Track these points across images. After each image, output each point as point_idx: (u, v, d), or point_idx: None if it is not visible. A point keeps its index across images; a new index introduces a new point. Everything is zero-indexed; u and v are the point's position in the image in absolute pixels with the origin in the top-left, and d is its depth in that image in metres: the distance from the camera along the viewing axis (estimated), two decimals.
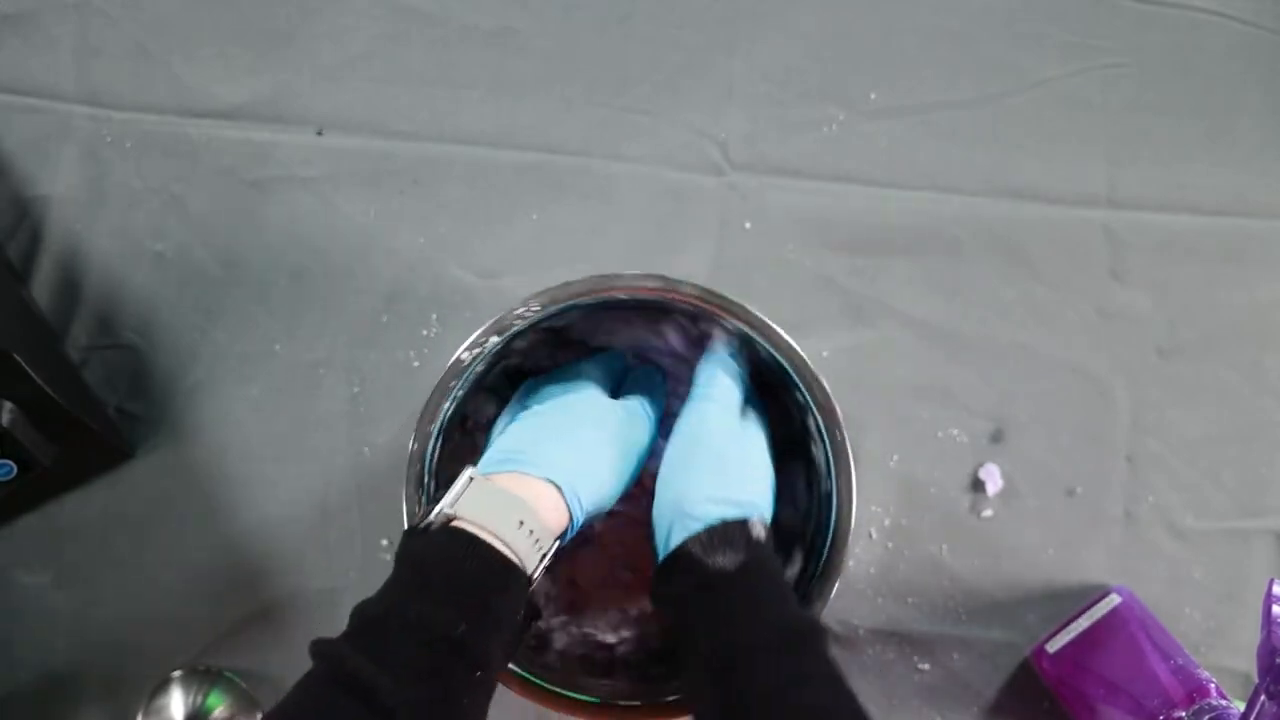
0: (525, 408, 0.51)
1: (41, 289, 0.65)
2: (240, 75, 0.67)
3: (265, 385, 0.65)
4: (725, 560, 0.44)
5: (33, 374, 0.54)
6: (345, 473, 0.65)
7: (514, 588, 0.42)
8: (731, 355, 0.54)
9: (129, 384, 0.65)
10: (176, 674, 0.62)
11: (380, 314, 0.66)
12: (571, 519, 0.45)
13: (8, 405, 0.54)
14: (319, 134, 0.67)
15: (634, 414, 0.51)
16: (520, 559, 0.42)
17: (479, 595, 0.40)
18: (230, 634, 0.64)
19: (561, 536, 0.45)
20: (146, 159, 0.66)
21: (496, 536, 0.41)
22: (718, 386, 0.51)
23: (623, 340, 0.59)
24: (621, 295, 0.51)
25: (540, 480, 0.44)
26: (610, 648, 0.58)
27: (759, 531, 0.46)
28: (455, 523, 0.42)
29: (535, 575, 0.43)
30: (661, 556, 0.46)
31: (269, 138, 0.66)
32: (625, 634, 0.58)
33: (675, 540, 0.45)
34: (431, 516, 0.42)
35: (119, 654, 0.64)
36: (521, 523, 0.42)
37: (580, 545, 0.60)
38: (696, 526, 0.45)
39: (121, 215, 0.65)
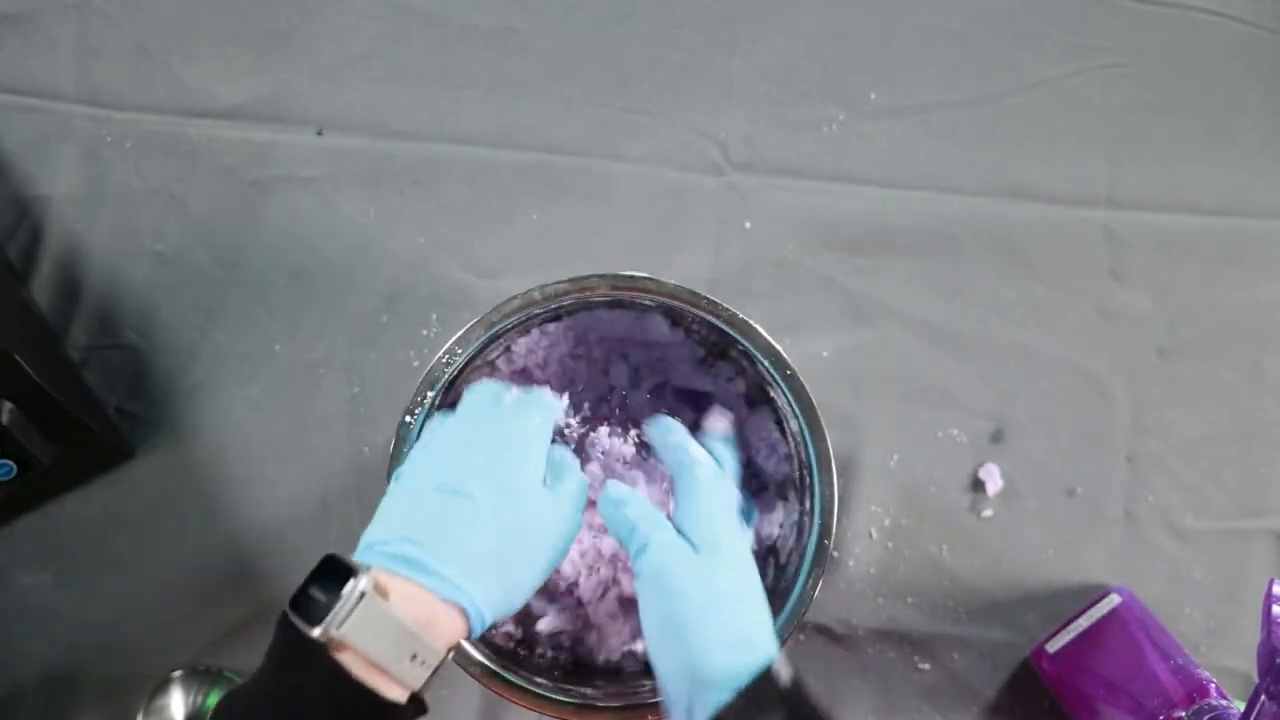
0: (446, 456, 0.44)
1: (41, 289, 0.65)
2: (240, 75, 0.67)
3: (265, 385, 0.65)
4: None
5: (33, 374, 0.54)
6: (345, 472, 0.65)
7: None
8: (724, 457, 0.51)
9: (129, 384, 0.65)
10: (176, 674, 0.62)
11: (380, 314, 0.66)
12: (470, 634, 0.41)
13: (8, 405, 0.54)
14: (319, 134, 0.67)
15: (565, 499, 0.45)
16: (407, 685, 0.38)
17: None
18: (230, 634, 0.64)
19: (455, 645, 0.42)
20: (146, 159, 0.66)
21: (384, 672, 0.38)
22: (646, 528, 0.46)
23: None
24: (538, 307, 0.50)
25: (445, 605, 0.40)
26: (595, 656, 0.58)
27: (784, 676, 0.42)
28: (340, 652, 0.37)
29: (421, 689, 0.40)
30: None
31: (269, 138, 0.66)
32: (614, 646, 0.58)
33: (703, 712, 0.41)
34: (316, 633, 0.37)
35: (119, 654, 0.64)
36: (414, 655, 0.38)
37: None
38: (723, 697, 0.41)
39: (121, 215, 0.65)
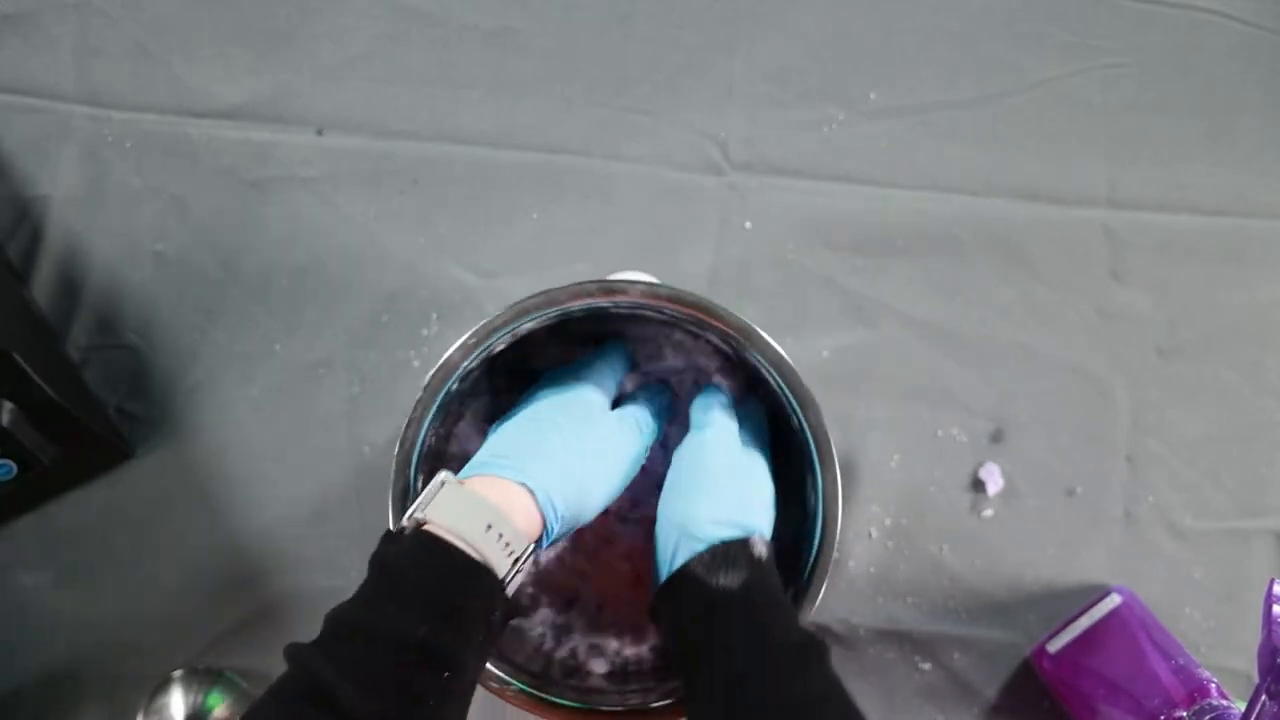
0: (524, 408, 0.51)
1: (41, 289, 0.65)
2: (240, 75, 0.67)
3: (265, 385, 0.65)
4: (728, 580, 0.44)
5: (33, 374, 0.54)
6: (345, 473, 0.65)
7: (482, 591, 0.42)
8: (725, 392, 0.55)
9: (129, 384, 0.65)
10: (176, 674, 0.62)
11: (380, 314, 0.66)
12: (546, 524, 0.45)
13: (8, 405, 0.54)
14: (319, 134, 0.67)
15: (628, 423, 0.51)
16: (489, 562, 0.42)
17: (443, 598, 0.40)
18: (230, 634, 0.64)
19: (538, 541, 0.45)
20: (146, 159, 0.66)
21: (464, 540, 0.41)
22: (714, 416, 0.52)
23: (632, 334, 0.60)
24: (572, 307, 0.51)
25: (513, 485, 0.44)
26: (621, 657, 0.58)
27: (760, 550, 0.46)
28: (425, 527, 0.42)
29: (509, 578, 0.43)
30: (665, 577, 0.47)
31: (269, 138, 0.66)
32: (633, 647, 0.58)
33: (679, 561, 0.46)
34: (404, 521, 0.42)
35: (119, 654, 0.64)
36: (489, 526, 0.42)
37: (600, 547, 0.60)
38: (699, 547, 0.45)
39: (121, 215, 0.65)
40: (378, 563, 0.42)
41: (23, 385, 0.54)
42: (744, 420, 0.55)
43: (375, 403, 0.65)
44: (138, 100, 0.66)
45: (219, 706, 0.62)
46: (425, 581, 0.40)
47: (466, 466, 0.46)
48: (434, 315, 0.66)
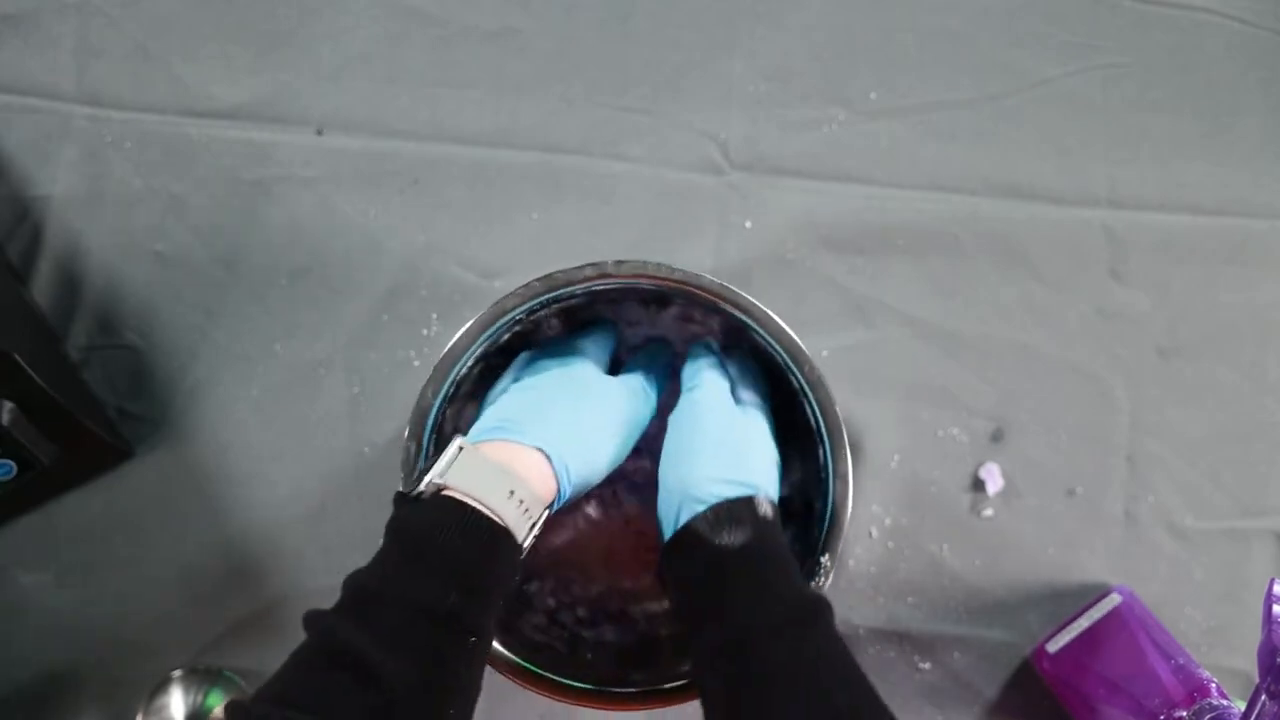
0: (519, 380, 0.51)
1: (41, 289, 0.65)
2: (240, 75, 0.67)
3: (265, 385, 0.65)
4: (732, 538, 0.44)
5: (33, 374, 0.54)
6: (345, 473, 0.65)
7: (504, 556, 0.42)
8: (713, 351, 0.55)
9: (129, 384, 0.65)
10: (176, 674, 0.62)
11: (380, 314, 0.66)
12: (560, 488, 0.45)
13: (8, 405, 0.54)
14: (319, 134, 0.67)
15: (630, 388, 0.52)
16: (510, 527, 0.42)
17: (471, 565, 0.40)
18: (230, 634, 0.64)
19: (551, 505, 0.45)
20: (146, 159, 0.66)
21: (486, 506, 0.41)
22: (705, 377, 0.52)
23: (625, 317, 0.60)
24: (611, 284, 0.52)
25: (529, 449, 0.45)
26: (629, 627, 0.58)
27: (765, 509, 0.46)
28: (445, 492, 0.42)
29: (525, 543, 0.43)
30: (667, 535, 0.47)
31: (269, 138, 0.66)
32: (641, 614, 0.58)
33: (683, 521, 0.46)
34: (422, 486, 0.42)
35: (119, 654, 0.64)
36: (512, 492, 0.42)
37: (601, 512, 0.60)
38: (701, 508, 0.45)
39: (121, 215, 0.65)
40: (400, 528, 0.42)
41: (23, 385, 0.54)
42: (739, 377, 0.54)
43: (375, 403, 0.65)
44: (138, 100, 0.66)
45: (219, 706, 0.62)
46: (449, 548, 0.40)
47: (472, 432, 0.46)
48: (434, 315, 0.66)
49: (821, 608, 0.44)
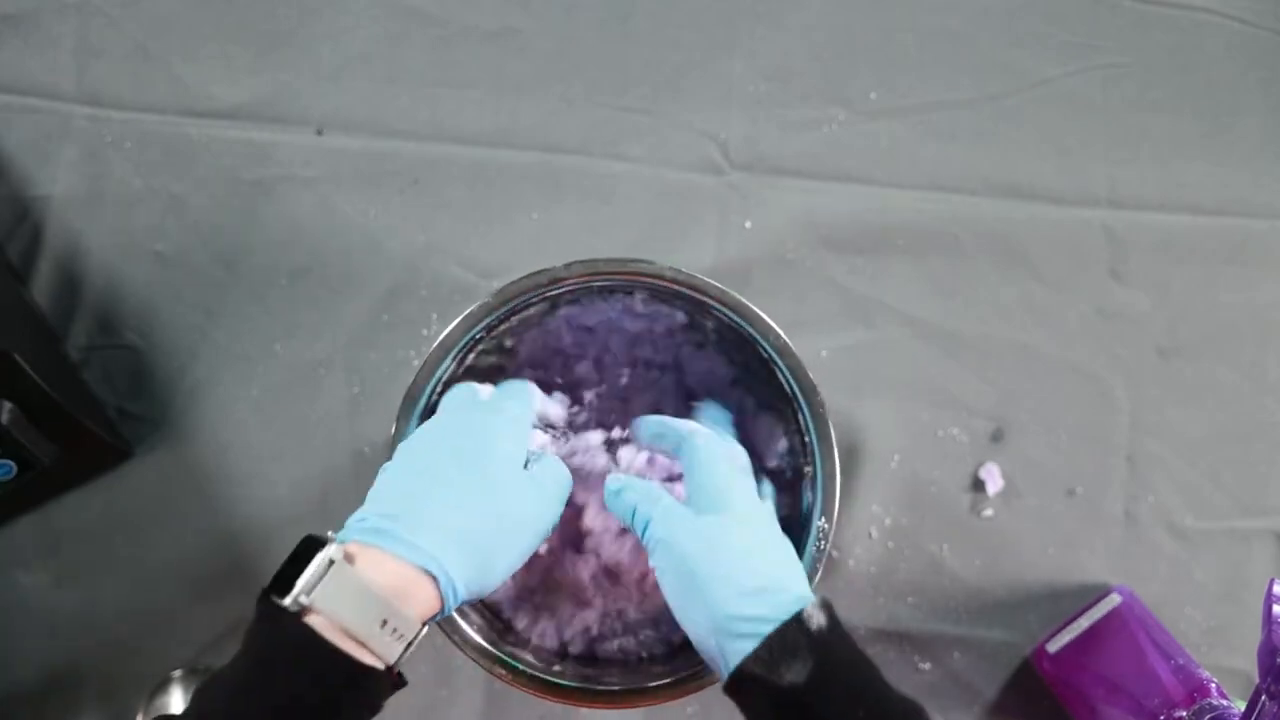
0: (418, 448, 0.46)
1: (41, 289, 0.65)
2: (240, 75, 0.67)
3: (265, 385, 0.65)
4: (795, 674, 0.39)
5: (33, 374, 0.54)
6: (345, 472, 0.65)
7: (369, 691, 0.39)
8: (718, 420, 0.53)
9: (129, 384, 0.65)
10: (176, 674, 0.62)
11: (380, 314, 0.66)
12: (444, 606, 0.41)
13: (8, 405, 0.54)
14: (319, 134, 0.67)
15: (543, 486, 0.46)
16: (381, 659, 0.39)
17: (326, 707, 0.37)
18: (230, 634, 0.64)
19: (434, 617, 0.42)
20: (146, 159, 0.66)
21: (355, 637, 0.38)
22: (644, 507, 0.46)
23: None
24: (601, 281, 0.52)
25: (413, 568, 0.40)
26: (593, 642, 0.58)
27: (818, 620, 0.41)
28: (310, 619, 0.38)
29: (397, 663, 0.40)
30: (724, 676, 0.42)
31: (269, 138, 0.66)
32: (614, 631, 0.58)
33: (733, 661, 0.41)
34: (287, 601, 0.38)
35: (119, 654, 0.64)
36: (385, 622, 0.38)
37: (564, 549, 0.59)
38: (749, 645, 0.40)
39: (121, 215, 0.65)
40: (254, 648, 0.38)
41: (23, 385, 0.54)
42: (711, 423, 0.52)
43: (375, 403, 0.65)
44: (138, 100, 0.66)
45: None
46: (302, 687, 0.37)
47: (355, 520, 0.42)
48: (434, 315, 0.66)
49: (919, 710, 0.40)
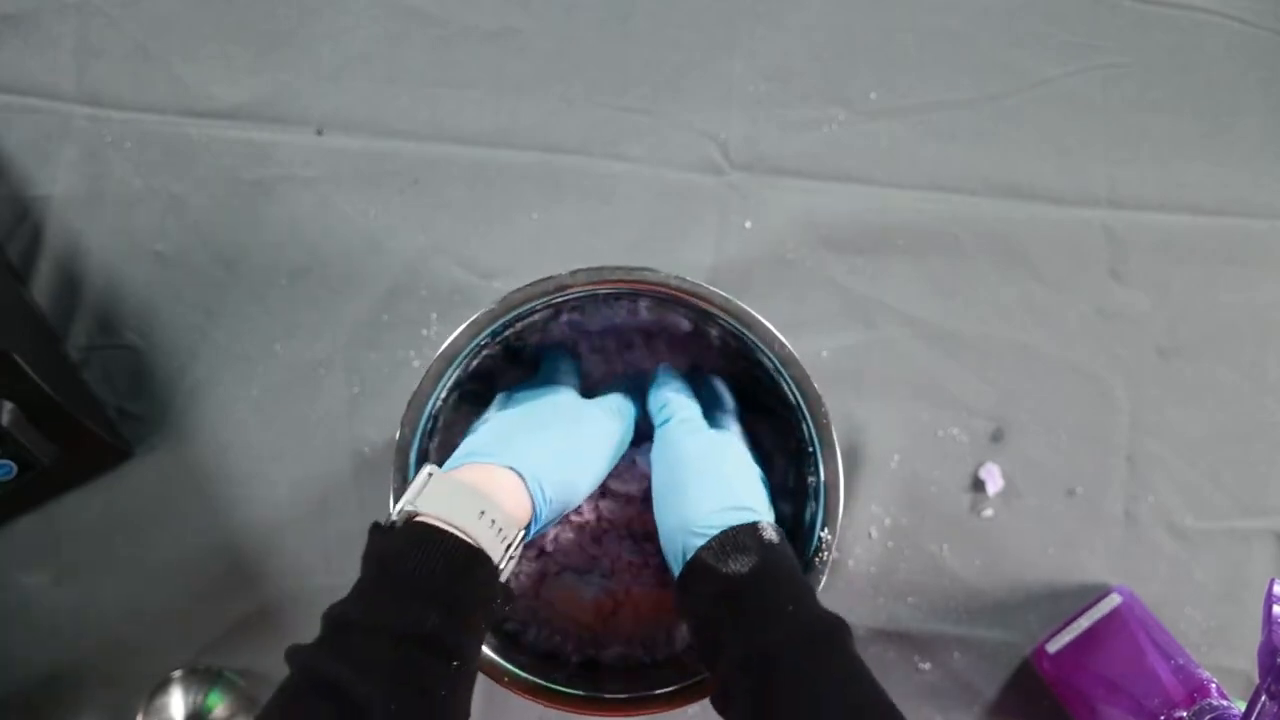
0: (495, 415, 0.51)
1: (41, 289, 0.65)
2: (240, 75, 0.67)
3: (265, 385, 0.65)
4: (740, 565, 0.44)
5: (33, 374, 0.54)
6: (345, 473, 0.65)
7: (480, 576, 0.42)
8: (677, 375, 0.55)
9: (129, 384, 0.65)
10: (176, 674, 0.62)
11: (380, 314, 0.66)
12: (535, 508, 0.45)
13: (8, 405, 0.54)
14: (319, 134, 0.67)
15: (604, 408, 0.51)
16: (484, 548, 0.42)
17: (445, 588, 0.40)
18: (230, 634, 0.64)
19: (528, 526, 0.45)
20: (146, 159, 0.66)
21: (458, 528, 0.41)
22: (674, 405, 0.52)
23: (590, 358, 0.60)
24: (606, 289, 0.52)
25: (500, 468, 0.44)
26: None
27: (770, 534, 0.46)
28: (417, 518, 0.42)
29: (503, 564, 0.43)
30: (677, 570, 0.47)
31: (269, 138, 0.66)
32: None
33: (689, 555, 0.45)
34: (394, 514, 0.42)
35: (119, 654, 0.64)
36: (483, 513, 0.42)
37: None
38: (704, 540, 0.45)
39: (121, 215, 0.65)
40: (373, 558, 0.42)
41: (23, 385, 0.54)
42: (707, 397, 0.54)
43: (375, 403, 0.65)
44: (138, 100, 0.66)
45: (219, 706, 0.62)
46: (426, 573, 0.40)
47: (449, 461, 0.46)
48: (434, 315, 0.66)
49: (839, 627, 0.43)
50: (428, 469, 0.44)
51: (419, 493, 0.42)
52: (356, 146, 0.67)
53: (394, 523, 0.42)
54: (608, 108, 0.68)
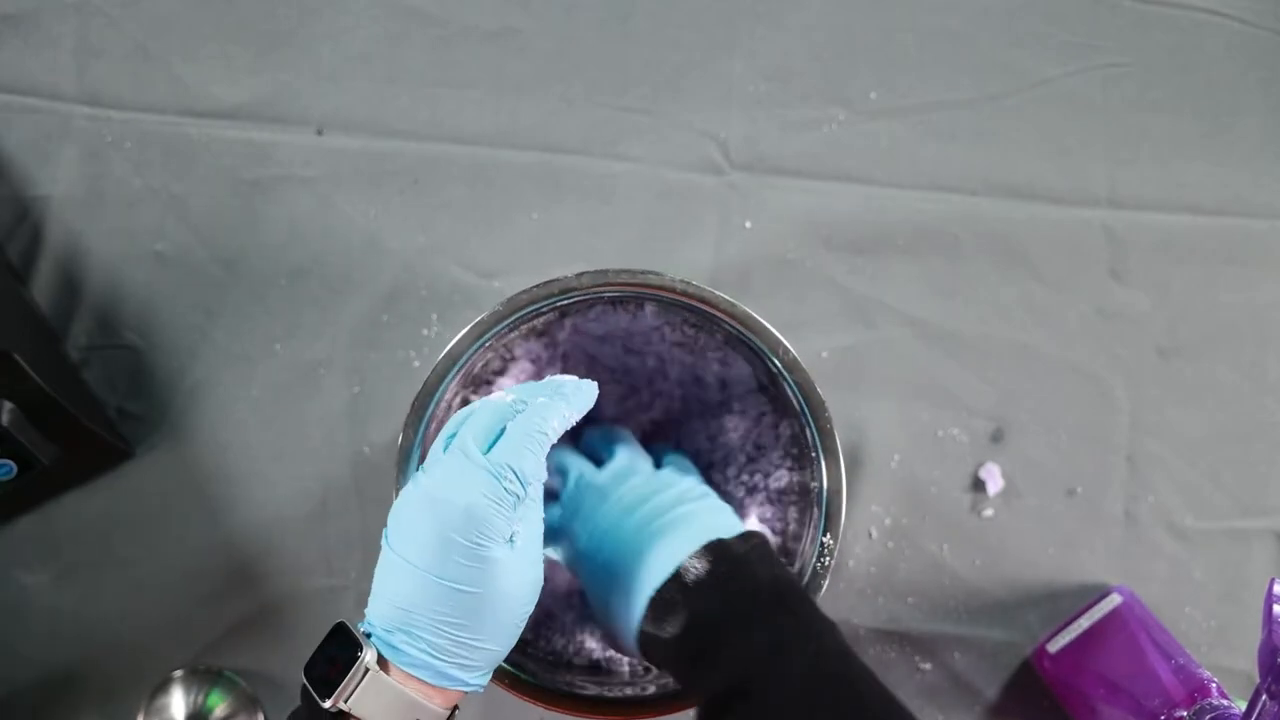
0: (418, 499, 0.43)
1: (41, 289, 0.65)
2: (240, 75, 0.67)
3: (265, 385, 0.65)
4: (672, 627, 0.46)
5: (33, 374, 0.54)
6: (345, 473, 0.65)
7: None
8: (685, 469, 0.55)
9: (129, 384, 0.65)
10: (176, 674, 0.62)
11: (380, 314, 0.66)
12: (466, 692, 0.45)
13: (8, 405, 0.54)
14: (319, 134, 0.67)
15: (526, 557, 0.44)
16: None
17: None
18: (230, 634, 0.64)
19: (457, 703, 0.45)
20: (146, 159, 0.66)
21: None
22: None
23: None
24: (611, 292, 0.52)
25: (439, 691, 0.43)
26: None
27: (695, 573, 0.47)
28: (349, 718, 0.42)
29: None
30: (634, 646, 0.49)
31: (269, 138, 0.66)
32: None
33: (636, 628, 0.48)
34: (327, 705, 0.41)
35: (119, 654, 0.64)
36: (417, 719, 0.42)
37: None
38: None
39: (121, 215, 0.65)
40: None
41: (23, 385, 0.54)
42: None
43: (375, 403, 0.65)
44: (138, 100, 0.66)
45: (219, 706, 0.62)
46: None
47: (374, 617, 0.43)
48: (434, 315, 0.66)
49: (790, 588, 0.46)
50: (366, 658, 0.41)
51: (354, 689, 0.41)
52: (356, 146, 0.67)
53: (325, 711, 0.41)
54: (608, 108, 0.68)
